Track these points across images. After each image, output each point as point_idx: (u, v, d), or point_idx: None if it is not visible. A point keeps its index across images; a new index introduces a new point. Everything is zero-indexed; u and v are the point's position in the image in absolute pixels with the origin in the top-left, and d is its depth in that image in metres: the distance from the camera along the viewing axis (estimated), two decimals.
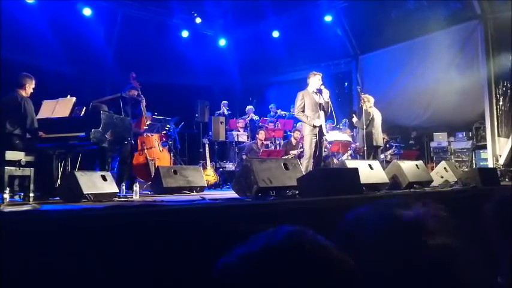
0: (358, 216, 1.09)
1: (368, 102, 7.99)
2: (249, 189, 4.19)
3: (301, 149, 8.27)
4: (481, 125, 9.75)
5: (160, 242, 2.29)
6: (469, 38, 9.80)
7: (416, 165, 5.61)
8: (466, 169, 8.01)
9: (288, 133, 10.20)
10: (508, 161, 8.88)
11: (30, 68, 6.23)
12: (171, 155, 8.46)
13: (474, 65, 9.66)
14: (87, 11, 10.20)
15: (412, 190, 5.03)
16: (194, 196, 5.20)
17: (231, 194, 4.98)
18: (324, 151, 8.26)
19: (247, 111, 11.15)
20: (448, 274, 0.97)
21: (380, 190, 4.86)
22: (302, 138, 7.61)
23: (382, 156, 9.73)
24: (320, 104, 6.64)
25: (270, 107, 11.52)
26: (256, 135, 9.71)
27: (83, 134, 5.14)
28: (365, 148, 7.71)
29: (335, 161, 9.24)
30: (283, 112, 10.90)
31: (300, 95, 6.69)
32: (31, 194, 4.46)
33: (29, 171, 4.59)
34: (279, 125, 10.36)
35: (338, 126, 10.46)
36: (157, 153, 7.87)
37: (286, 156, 8.53)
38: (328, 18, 11.65)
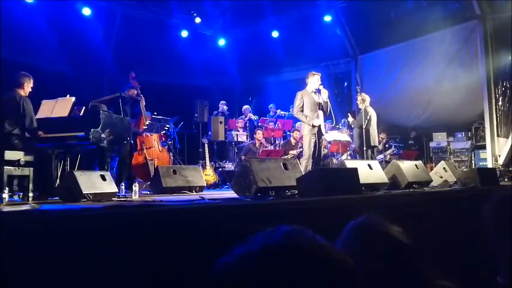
0: None
1: (365, 102, 7.99)
2: (248, 189, 4.19)
3: (301, 149, 8.27)
4: (480, 125, 9.75)
5: (159, 242, 2.29)
6: (468, 38, 9.80)
7: (416, 165, 5.61)
8: (465, 169, 8.01)
9: (288, 133, 10.20)
10: (507, 161, 8.88)
11: (29, 67, 6.20)
12: (171, 154, 8.46)
13: (473, 65, 9.66)
14: (86, 11, 10.19)
15: (411, 190, 5.03)
16: (193, 196, 5.21)
17: (230, 194, 4.98)
18: (324, 151, 8.26)
19: (244, 111, 11.14)
20: None
21: (379, 190, 4.87)
22: (301, 138, 7.61)
23: (381, 156, 9.74)
24: (319, 103, 6.65)
25: (269, 106, 11.52)
26: (254, 135, 9.71)
27: (82, 133, 5.13)
28: (364, 148, 7.71)
29: (334, 161, 9.24)
30: (282, 112, 10.90)
31: (299, 94, 6.71)
32: (30, 194, 4.46)
33: (28, 171, 4.58)
34: (279, 124, 10.35)
35: (337, 126, 10.47)
36: (157, 153, 7.87)
37: (286, 156, 8.53)
38: (327, 18, 11.65)
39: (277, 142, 10.09)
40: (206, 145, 9.41)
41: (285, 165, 4.57)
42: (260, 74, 13.32)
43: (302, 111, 6.63)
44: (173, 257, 2.29)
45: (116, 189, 4.66)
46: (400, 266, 1.21)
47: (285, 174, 4.47)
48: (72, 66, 9.99)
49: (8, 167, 4.45)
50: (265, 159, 4.92)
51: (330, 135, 9.15)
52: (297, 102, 6.67)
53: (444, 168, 6.29)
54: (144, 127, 7.60)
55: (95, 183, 4.34)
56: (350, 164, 4.90)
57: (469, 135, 10.09)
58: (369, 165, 4.98)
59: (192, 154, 10.27)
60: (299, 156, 8.18)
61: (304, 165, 6.26)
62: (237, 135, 10.06)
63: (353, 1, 11.06)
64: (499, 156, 9.09)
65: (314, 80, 6.72)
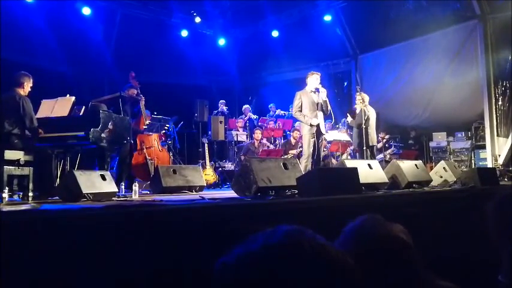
0: None
1: (363, 102, 7.97)
2: (248, 189, 4.19)
3: (301, 149, 8.27)
4: (480, 124, 9.74)
5: (159, 241, 2.29)
6: (468, 38, 9.79)
7: (416, 165, 5.61)
8: (465, 169, 8.01)
9: (288, 133, 10.20)
10: (507, 160, 8.88)
11: (29, 67, 6.19)
12: (170, 154, 8.45)
13: (473, 64, 9.66)
14: (86, 10, 10.19)
15: (411, 190, 5.03)
16: (193, 196, 5.20)
17: (230, 193, 4.98)
18: (324, 151, 8.25)
19: (244, 110, 11.14)
20: None
21: (379, 190, 4.86)
22: (301, 137, 7.62)
23: (381, 155, 9.74)
24: (318, 103, 6.65)
25: (269, 106, 11.52)
26: (253, 135, 9.71)
27: (82, 133, 5.13)
28: (364, 148, 7.70)
29: (334, 161, 9.23)
30: (282, 112, 10.90)
31: (297, 94, 6.74)
32: (30, 194, 4.45)
33: (27, 171, 4.57)
34: (280, 124, 10.35)
35: (337, 126, 10.47)
36: (157, 152, 7.86)
37: (286, 156, 8.52)
38: (327, 18, 11.65)
39: (277, 142, 10.09)
40: (206, 145, 9.41)
41: (285, 165, 4.56)
42: (260, 74, 13.32)
43: (300, 110, 6.66)
44: (173, 257, 2.29)
45: (115, 189, 4.66)
46: (400, 266, 1.20)
47: (285, 174, 4.47)
48: (72, 66, 10.01)
49: (7, 167, 4.44)
50: (265, 159, 4.91)
51: (330, 135, 9.15)
52: (296, 102, 6.70)
53: (444, 168, 6.29)
54: (144, 127, 7.60)
55: (95, 183, 4.33)
56: (350, 163, 4.89)
57: (469, 135, 10.08)
58: (369, 165, 4.97)
59: (192, 154, 10.27)
60: (299, 156, 8.18)
61: (304, 164, 6.27)
62: (237, 134, 10.06)
63: (353, 1, 11.06)
64: (499, 155, 9.09)
65: (313, 80, 6.73)
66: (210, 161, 9.31)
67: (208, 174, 8.78)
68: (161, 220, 2.45)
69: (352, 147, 9.45)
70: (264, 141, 9.71)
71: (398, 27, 10.10)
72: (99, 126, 5.22)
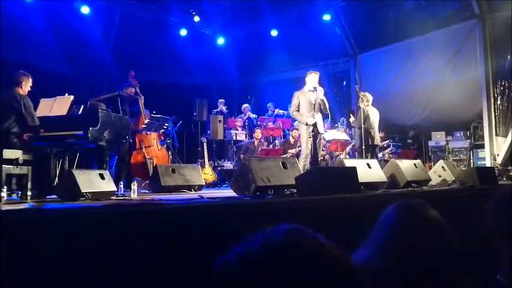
0: None
1: (366, 101, 7.95)
2: (247, 188, 4.18)
3: (300, 148, 8.27)
4: (478, 124, 9.75)
5: (158, 240, 2.29)
6: (468, 38, 9.80)
7: (414, 164, 5.61)
8: (464, 168, 8.02)
9: (287, 132, 10.20)
10: (506, 160, 8.89)
11: (28, 66, 6.19)
12: (169, 153, 8.45)
13: (472, 64, 9.66)
14: (85, 9, 10.17)
15: (410, 189, 5.03)
16: (192, 195, 5.21)
17: (229, 192, 4.97)
18: (323, 150, 8.25)
19: (244, 109, 11.13)
20: None
21: (378, 189, 4.87)
22: (300, 137, 7.62)
23: (380, 155, 9.73)
24: (315, 103, 6.66)
25: (268, 105, 11.51)
26: (253, 134, 9.71)
27: (80, 132, 5.12)
28: (363, 147, 7.69)
29: (333, 160, 9.24)
30: (281, 111, 10.89)
31: (295, 94, 6.78)
32: (29, 193, 4.44)
33: (26, 170, 4.57)
34: (279, 124, 10.35)
35: (336, 125, 10.47)
36: (156, 151, 7.86)
37: (285, 155, 8.53)
38: (326, 17, 11.64)
39: (276, 141, 10.08)
40: (205, 144, 9.41)
41: (284, 164, 4.56)
42: (259, 73, 13.32)
43: (298, 110, 6.68)
44: (172, 256, 2.29)
45: (114, 188, 4.65)
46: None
47: (284, 173, 4.46)
48: (71, 65, 9.99)
49: (6, 166, 4.43)
50: (264, 158, 4.91)
51: (329, 135, 9.15)
52: (293, 102, 6.74)
53: (443, 167, 6.29)
54: (143, 126, 7.59)
55: (94, 182, 4.33)
56: (349, 163, 4.89)
57: (467, 134, 10.09)
58: (368, 164, 4.98)
59: (191, 153, 10.26)
60: (298, 155, 8.18)
61: (302, 164, 6.28)
62: (236, 134, 10.05)
63: (352, 0, 11.05)
64: (498, 155, 9.09)
65: (312, 79, 6.76)
66: (209, 160, 9.31)
67: (207, 174, 8.78)
68: (160, 219, 2.45)
69: (350, 147, 9.45)
70: (262, 140, 9.71)
71: (398, 26, 10.11)
72: (98, 125, 5.22)
